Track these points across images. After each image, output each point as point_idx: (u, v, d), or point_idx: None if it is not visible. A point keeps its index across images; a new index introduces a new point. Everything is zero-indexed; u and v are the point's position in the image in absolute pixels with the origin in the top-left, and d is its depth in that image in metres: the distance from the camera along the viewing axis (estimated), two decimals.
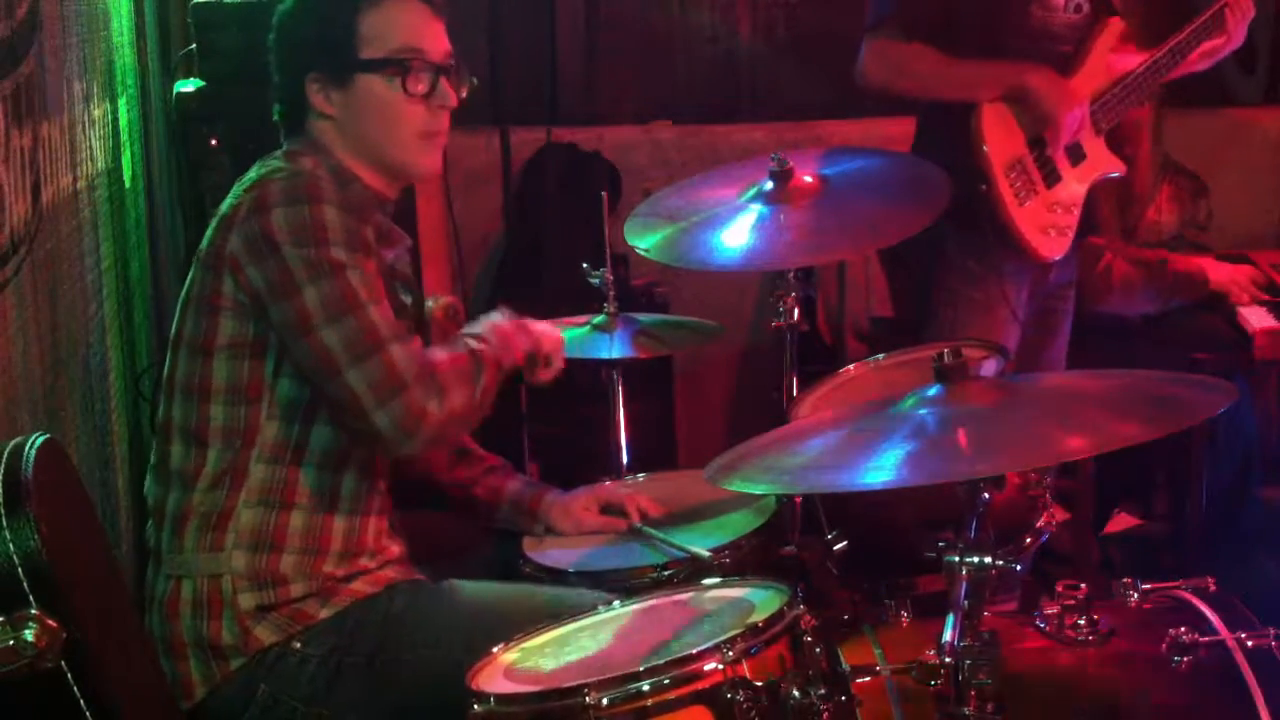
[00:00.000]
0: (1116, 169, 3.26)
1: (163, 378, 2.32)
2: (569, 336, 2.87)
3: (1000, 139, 3.07)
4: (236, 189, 2.28)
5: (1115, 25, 3.23)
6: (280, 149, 2.35)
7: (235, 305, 2.20)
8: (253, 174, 2.28)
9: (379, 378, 2.14)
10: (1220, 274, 3.93)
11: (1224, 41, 3.27)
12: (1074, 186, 3.16)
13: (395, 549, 2.37)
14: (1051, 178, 3.13)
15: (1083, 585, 2.19)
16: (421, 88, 2.31)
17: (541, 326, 2.48)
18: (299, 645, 2.21)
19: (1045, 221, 3.11)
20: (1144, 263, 3.90)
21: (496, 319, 2.42)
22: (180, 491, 2.25)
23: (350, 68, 2.29)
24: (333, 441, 2.26)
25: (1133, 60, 3.23)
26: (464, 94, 2.39)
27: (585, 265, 2.95)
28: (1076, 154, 3.17)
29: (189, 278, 2.29)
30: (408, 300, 2.35)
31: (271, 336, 2.21)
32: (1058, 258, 3.16)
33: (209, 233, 2.26)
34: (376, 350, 2.14)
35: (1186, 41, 3.23)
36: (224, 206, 2.26)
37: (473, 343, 2.31)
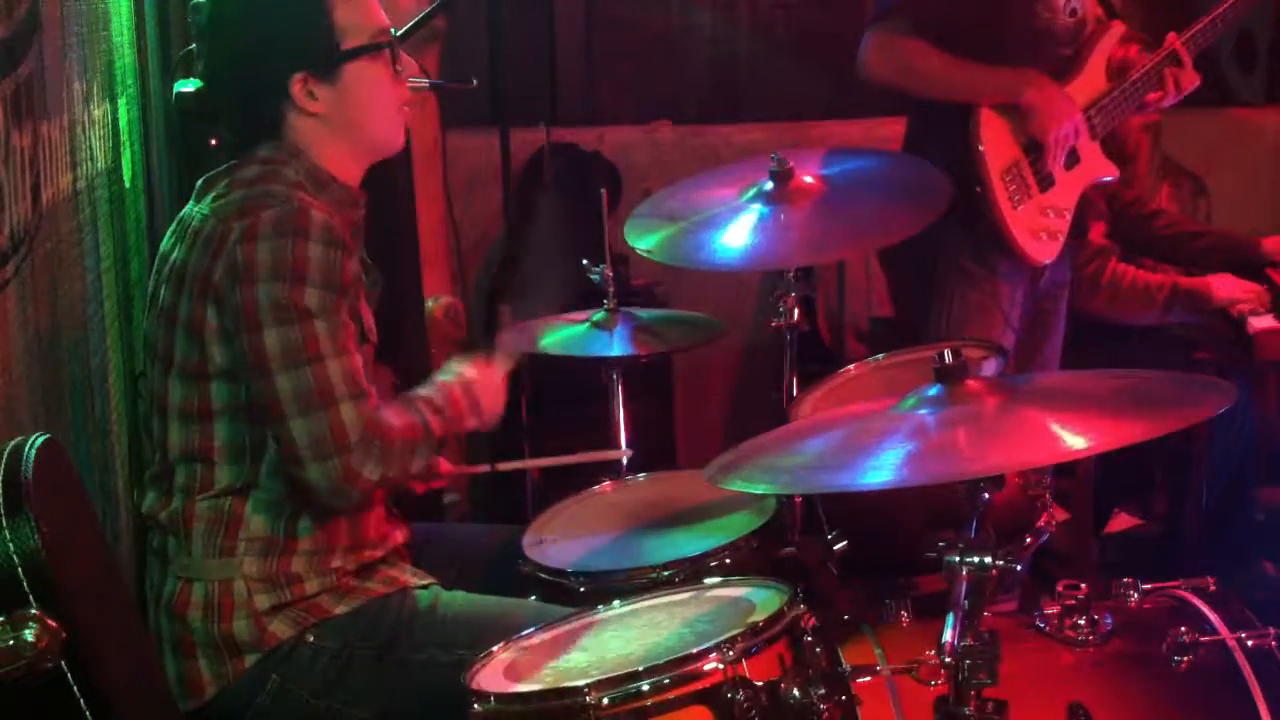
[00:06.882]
0: (1110, 173, 3.26)
1: (152, 396, 2.29)
2: (568, 335, 2.87)
3: (997, 142, 3.07)
4: (218, 205, 2.22)
5: (1116, 29, 3.23)
6: (252, 155, 2.29)
7: (220, 331, 2.18)
8: (238, 194, 2.22)
9: (321, 434, 2.13)
10: (1225, 290, 3.92)
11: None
12: (1067, 191, 3.16)
13: (399, 535, 2.39)
14: (1045, 182, 3.12)
15: (1083, 585, 2.20)
16: (400, 65, 2.33)
17: (489, 400, 2.41)
18: (312, 639, 2.22)
19: (1038, 225, 3.11)
20: (1141, 274, 3.89)
21: (453, 382, 2.38)
22: (184, 500, 2.24)
23: (337, 60, 2.27)
24: None
25: (1132, 65, 3.23)
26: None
27: (585, 261, 2.95)
28: (1071, 158, 3.17)
29: (164, 291, 2.25)
30: (375, 290, 2.36)
31: None
32: (1048, 262, 3.16)
33: (186, 249, 2.21)
34: (326, 406, 2.13)
35: (1185, 45, 3.22)
36: (203, 222, 2.20)
37: (428, 414, 2.29)
